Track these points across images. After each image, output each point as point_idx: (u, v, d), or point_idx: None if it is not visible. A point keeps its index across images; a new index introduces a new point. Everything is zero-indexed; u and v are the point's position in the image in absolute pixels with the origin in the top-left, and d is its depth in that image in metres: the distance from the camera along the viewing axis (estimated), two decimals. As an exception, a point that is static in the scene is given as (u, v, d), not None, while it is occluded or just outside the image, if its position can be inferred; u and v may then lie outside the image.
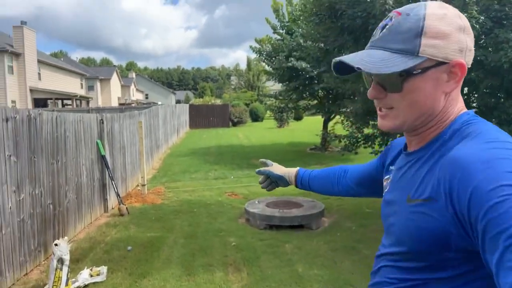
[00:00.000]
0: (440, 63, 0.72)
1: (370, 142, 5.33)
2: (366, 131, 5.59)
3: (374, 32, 0.79)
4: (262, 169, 1.35)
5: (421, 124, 0.78)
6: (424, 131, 0.79)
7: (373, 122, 5.27)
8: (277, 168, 1.34)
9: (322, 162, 9.84)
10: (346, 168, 1.24)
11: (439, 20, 0.72)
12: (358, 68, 0.73)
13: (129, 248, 4.32)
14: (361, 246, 4.32)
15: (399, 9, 0.77)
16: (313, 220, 5.01)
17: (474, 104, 4.22)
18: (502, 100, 4.13)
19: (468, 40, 0.74)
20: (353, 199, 5.77)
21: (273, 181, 1.35)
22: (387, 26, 0.76)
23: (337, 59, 0.76)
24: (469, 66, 0.75)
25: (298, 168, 1.34)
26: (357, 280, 3.51)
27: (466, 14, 3.42)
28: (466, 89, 4.26)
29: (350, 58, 0.75)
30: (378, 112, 0.81)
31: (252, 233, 4.84)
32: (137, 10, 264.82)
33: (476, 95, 4.27)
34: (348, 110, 6.61)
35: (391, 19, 0.76)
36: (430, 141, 0.77)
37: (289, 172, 1.32)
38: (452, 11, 0.74)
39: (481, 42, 3.86)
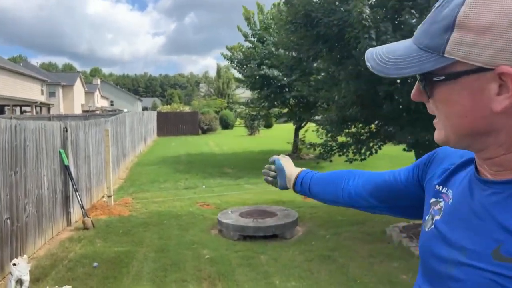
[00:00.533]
0: (481, 69, 0.50)
1: (344, 150, 5.38)
2: (340, 139, 5.64)
3: None
4: (275, 156, 1.23)
5: (469, 145, 0.58)
6: (495, 156, 0.56)
7: (347, 131, 5.31)
8: (286, 161, 1.19)
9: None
10: (358, 173, 0.99)
11: (485, 5, 0.49)
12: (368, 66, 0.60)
13: (95, 264, 4.07)
14: (336, 255, 4.31)
15: None
16: (287, 229, 4.96)
17: None
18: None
19: None
20: (327, 207, 5.77)
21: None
22: (433, 8, 0.55)
23: (368, 51, 0.63)
24: None
25: (303, 168, 1.15)
26: (335, 291, 3.47)
27: None
28: None
29: (371, 52, 0.62)
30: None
31: (226, 244, 4.70)
32: (103, 15, 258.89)
33: None
34: (322, 118, 6.65)
35: None
36: None
37: (292, 170, 1.15)
38: None
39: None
